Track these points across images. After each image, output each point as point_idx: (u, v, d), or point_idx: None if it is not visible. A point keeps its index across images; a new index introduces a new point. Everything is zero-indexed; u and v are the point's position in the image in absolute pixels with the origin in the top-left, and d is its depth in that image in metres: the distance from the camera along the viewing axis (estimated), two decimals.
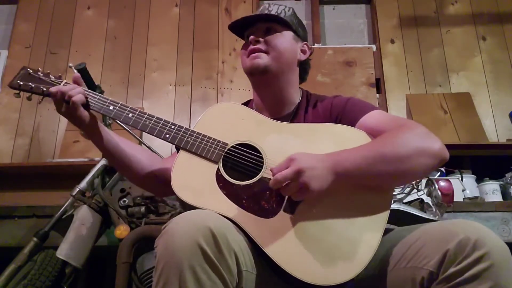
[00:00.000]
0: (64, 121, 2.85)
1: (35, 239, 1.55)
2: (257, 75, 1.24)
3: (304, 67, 1.33)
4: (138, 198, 1.62)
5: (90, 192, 1.70)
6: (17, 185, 2.62)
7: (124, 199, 1.63)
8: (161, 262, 0.84)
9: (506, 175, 2.40)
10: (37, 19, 3.11)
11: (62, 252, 1.53)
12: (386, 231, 1.04)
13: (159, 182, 1.23)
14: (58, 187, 2.48)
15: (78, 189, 1.65)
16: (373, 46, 3.06)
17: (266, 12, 1.26)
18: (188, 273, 0.81)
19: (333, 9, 3.26)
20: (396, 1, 3.16)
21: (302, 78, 1.34)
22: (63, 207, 1.63)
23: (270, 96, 1.28)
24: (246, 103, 1.36)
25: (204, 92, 2.95)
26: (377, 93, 2.94)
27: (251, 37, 1.23)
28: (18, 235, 1.87)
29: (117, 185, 1.68)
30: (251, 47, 1.23)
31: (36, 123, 2.88)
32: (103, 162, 1.73)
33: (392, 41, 3.06)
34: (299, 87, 1.34)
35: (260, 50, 1.22)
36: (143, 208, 1.61)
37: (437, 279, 0.86)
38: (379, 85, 2.96)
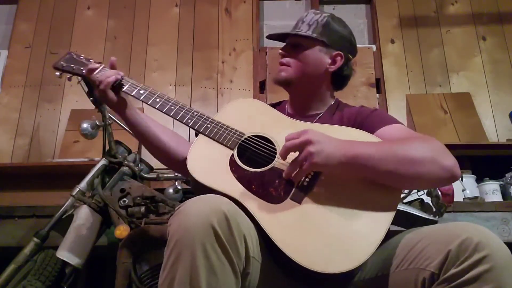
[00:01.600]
0: (64, 121, 2.85)
1: (35, 239, 1.55)
2: (281, 86, 1.37)
3: (339, 76, 1.37)
4: (138, 198, 1.62)
5: (90, 192, 1.70)
6: (17, 185, 2.62)
7: (124, 199, 1.63)
8: (173, 238, 0.87)
9: (506, 175, 2.40)
10: (37, 19, 3.11)
11: (62, 252, 1.53)
12: (390, 233, 1.05)
13: (183, 164, 1.27)
14: (58, 187, 2.48)
15: (78, 189, 1.65)
16: (373, 46, 3.06)
17: (300, 23, 1.36)
18: (199, 251, 0.83)
19: (333, 9, 3.26)
20: (396, 1, 3.16)
21: (337, 86, 1.40)
22: (63, 207, 1.63)
23: (297, 101, 1.39)
24: (279, 103, 1.47)
25: (204, 92, 2.95)
26: (377, 93, 2.94)
27: (279, 51, 1.37)
28: (18, 235, 1.87)
29: (117, 185, 1.68)
30: (280, 60, 1.36)
31: (36, 123, 2.88)
32: (103, 162, 1.73)
33: (392, 41, 3.06)
34: (335, 96, 1.41)
35: (285, 64, 1.34)
36: (143, 208, 1.61)
37: (438, 279, 0.86)
38: (379, 85, 2.96)
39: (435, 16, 3.12)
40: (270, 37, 1.41)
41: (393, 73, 2.99)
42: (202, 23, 3.11)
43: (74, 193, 1.65)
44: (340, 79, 1.38)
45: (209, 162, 1.14)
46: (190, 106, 1.28)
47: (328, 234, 1.00)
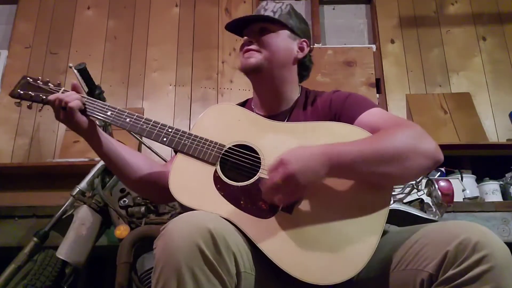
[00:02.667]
0: None
1: (35, 239, 1.55)
2: (250, 74, 1.27)
3: (304, 65, 1.32)
4: (138, 198, 1.62)
5: (90, 192, 1.70)
6: (17, 185, 2.62)
7: (124, 199, 1.63)
8: (160, 263, 0.84)
9: (506, 175, 2.40)
10: (37, 19, 3.11)
11: (62, 252, 1.53)
12: (386, 232, 1.04)
13: (158, 187, 1.23)
14: (58, 187, 2.48)
15: (78, 189, 1.66)
16: (373, 46, 3.06)
17: (262, 11, 1.27)
18: (187, 275, 0.81)
19: (333, 9, 3.26)
20: (396, 1, 3.16)
21: (302, 75, 1.34)
22: (63, 207, 1.64)
23: (266, 93, 1.29)
24: (244, 102, 1.38)
25: (204, 92, 2.95)
26: (377, 93, 2.94)
27: (245, 38, 1.26)
28: (18, 235, 1.87)
29: (117, 185, 1.68)
30: (245, 47, 1.25)
31: (36, 123, 2.88)
32: (103, 162, 1.73)
33: (392, 41, 3.06)
34: (300, 85, 1.34)
35: (253, 50, 1.24)
36: (143, 208, 1.61)
37: (436, 281, 0.85)
38: (379, 85, 2.96)
39: (435, 16, 3.11)
40: (229, 26, 1.28)
41: (393, 73, 2.99)
42: (202, 23, 3.11)
43: (74, 193, 1.65)
44: (305, 68, 1.33)
45: (192, 182, 1.08)
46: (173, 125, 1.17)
47: (324, 243, 0.98)
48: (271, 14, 1.26)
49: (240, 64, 1.27)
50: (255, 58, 1.23)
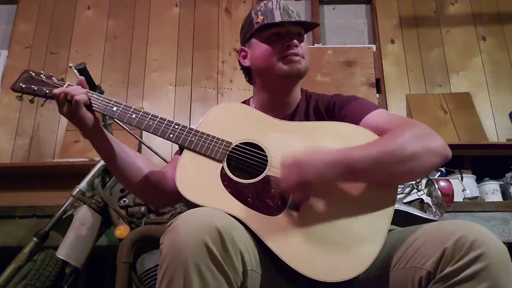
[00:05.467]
0: (64, 121, 2.85)
1: (35, 239, 1.55)
2: (291, 79, 1.24)
3: None
4: None
5: (90, 192, 1.71)
6: (17, 185, 2.62)
7: (124, 199, 1.63)
8: (166, 259, 0.84)
9: (506, 175, 2.40)
10: (37, 19, 3.11)
11: (62, 252, 1.53)
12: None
13: (157, 191, 1.22)
14: (58, 187, 2.48)
15: (78, 189, 1.66)
16: (373, 46, 3.06)
17: (290, 11, 1.24)
18: (193, 271, 0.81)
19: (333, 9, 3.26)
20: (396, 1, 3.16)
21: None
22: (63, 207, 1.64)
23: (282, 97, 1.28)
24: (243, 103, 1.36)
25: (204, 92, 2.95)
26: (377, 93, 2.94)
27: (295, 41, 1.22)
28: (18, 235, 1.88)
29: (117, 185, 1.68)
30: (295, 51, 1.22)
31: (36, 123, 2.88)
32: (103, 162, 1.73)
33: (392, 41, 3.06)
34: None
35: (299, 55, 1.23)
36: (143, 208, 1.61)
37: (434, 278, 0.86)
38: (379, 85, 2.96)
39: (435, 16, 3.12)
40: (282, 23, 1.21)
41: (393, 73, 2.99)
42: (202, 23, 3.11)
43: (74, 193, 1.65)
44: None
45: (199, 179, 1.07)
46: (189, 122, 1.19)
47: (332, 240, 0.99)
48: (299, 18, 1.25)
49: (288, 67, 1.22)
50: (302, 64, 1.23)
